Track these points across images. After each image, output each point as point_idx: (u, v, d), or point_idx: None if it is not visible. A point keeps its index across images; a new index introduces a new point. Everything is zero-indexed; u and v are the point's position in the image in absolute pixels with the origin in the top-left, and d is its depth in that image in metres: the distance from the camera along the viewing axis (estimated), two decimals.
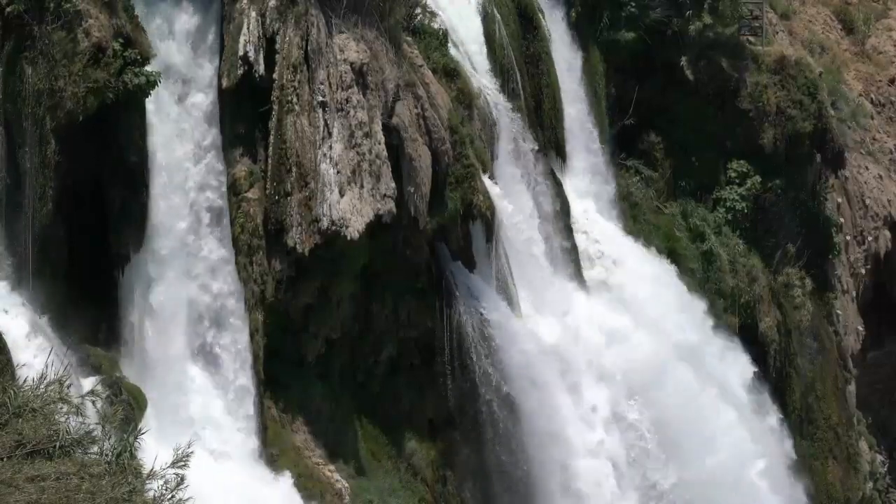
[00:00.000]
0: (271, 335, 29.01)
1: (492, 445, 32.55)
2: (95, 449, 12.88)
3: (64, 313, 24.96)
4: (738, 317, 42.20)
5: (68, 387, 13.49)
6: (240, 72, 28.28)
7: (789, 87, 44.25)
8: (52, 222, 25.17)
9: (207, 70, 28.32)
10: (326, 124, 28.90)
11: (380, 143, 29.38)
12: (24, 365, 21.93)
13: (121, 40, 25.77)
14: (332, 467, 29.80)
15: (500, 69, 36.20)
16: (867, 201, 49.75)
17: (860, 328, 48.86)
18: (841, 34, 53.74)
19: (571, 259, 37.14)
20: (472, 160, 32.25)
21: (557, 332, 34.76)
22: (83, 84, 24.99)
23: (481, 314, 32.20)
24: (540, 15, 38.62)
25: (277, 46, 28.67)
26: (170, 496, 12.17)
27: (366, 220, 28.87)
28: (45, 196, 24.99)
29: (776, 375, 43.30)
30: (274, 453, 28.70)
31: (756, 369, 41.02)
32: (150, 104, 26.48)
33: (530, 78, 37.89)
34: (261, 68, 28.41)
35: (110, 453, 12.80)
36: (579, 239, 37.82)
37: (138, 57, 25.88)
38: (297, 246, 28.50)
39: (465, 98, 33.79)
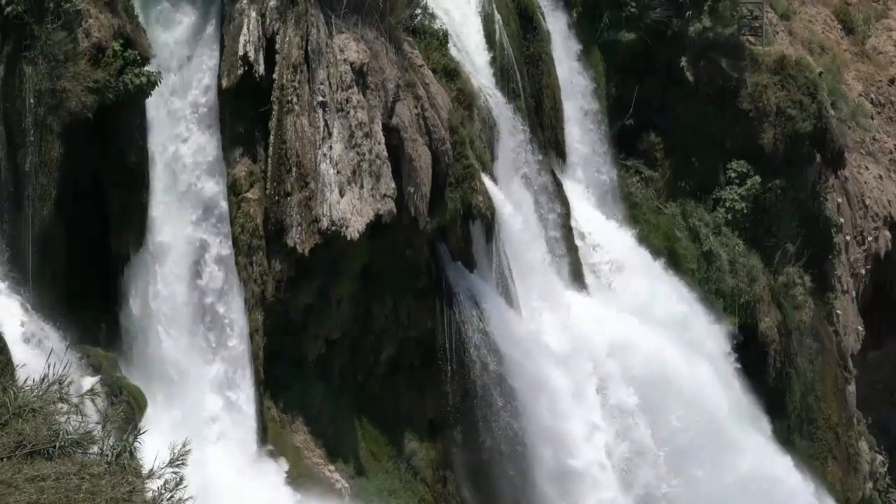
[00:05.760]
0: (271, 335, 29.01)
1: (492, 445, 32.55)
2: (95, 449, 12.88)
3: (64, 313, 24.96)
4: (738, 317, 42.20)
5: (69, 385, 13.48)
6: (240, 72, 28.29)
7: (789, 87, 44.26)
8: (52, 222, 25.18)
9: (207, 70, 28.32)
10: (326, 124, 28.90)
11: (380, 144, 29.38)
12: (23, 365, 21.92)
13: (121, 40, 25.80)
14: (332, 467, 29.80)
15: (500, 69, 36.20)
16: (867, 201, 49.76)
17: (860, 328, 48.86)
18: (841, 34, 53.75)
19: (571, 259, 37.14)
20: (472, 160, 32.24)
21: (557, 331, 34.73)
22: (83, 84, 24.99)
23: (481, 314, 32.19)
24: (540, 15, 38.63)
25: (277, 46, 28.67)
26: (168, 496, 12.16)
27: (366, 221, 28.86)
28: (46, 196, 25.00)
29: (776, 375, 43.31)
30: (274, 453, 28.71)
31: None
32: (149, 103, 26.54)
33: (530, 78, 37.89)
34: (261, 68, 28.42)
35: (110, 453, 12.79)
36: (579, 239, 37.82)
37: (138, 57, 25.90)
38: (297, 246, 28.50)
39: (465, 98, 33.78)
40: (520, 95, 36.67)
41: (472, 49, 35.64)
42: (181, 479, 12.42)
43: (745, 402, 40.28)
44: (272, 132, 28.61)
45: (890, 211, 50.45)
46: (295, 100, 28.61)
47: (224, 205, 28.48)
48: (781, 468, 39.31)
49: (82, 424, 13.12)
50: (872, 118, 51.74)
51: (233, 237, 28.51)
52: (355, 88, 29.23)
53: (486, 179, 33.04)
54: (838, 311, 47.18)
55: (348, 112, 29.09)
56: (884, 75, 53.72)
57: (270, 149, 28.61)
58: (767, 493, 37.99)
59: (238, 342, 28.37)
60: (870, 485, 48.05)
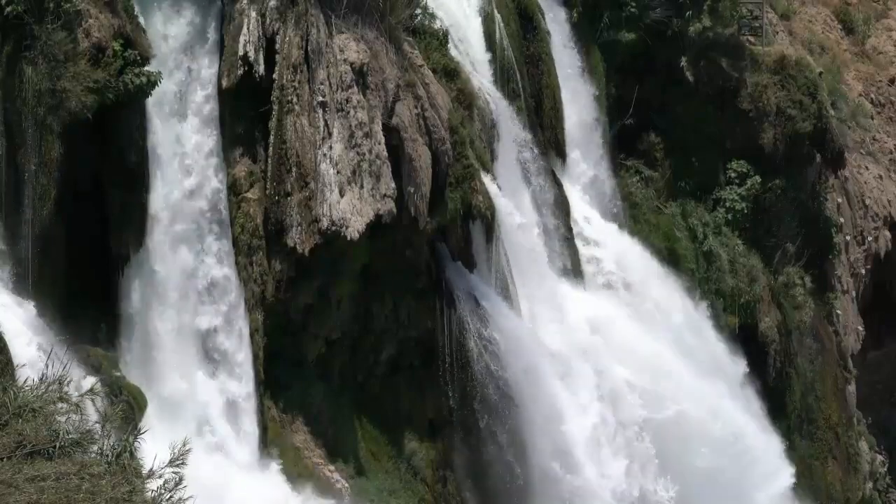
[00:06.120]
0: (271, 335, 29.01)
1: (491, 445, 32.54)
2: (95, 449, 12.87)
3: (64, 313, 24.96)
4: (738, 317, 42.21)
5: (68, 383, 13.48)
6: (240, 72, 28.29)
7: (789, 87, 44.26)
8: (52, 222, 25.17)
9: (207, 70, 28.32)
10: (326, 124, 28.90)
11: (380, 144, 29.38)
12: (23, 365, 21.93)
13: (121, 40, 25.79)
14: (332, 467, 29.80)
15: (500, 69, 36.20)
16: (867, 201, 49.77)
17: (860, 328, 48.86)
18: (841, 34, 53.75)
19: (571, 259, 37.13)
20: (472, 160, 32.24)
21: (557, 331, 34.74)
22: (83, 84, 24.99)
23: (481, 314, 32.19)
24: (540, 15, 38.63)
25: (277, 46, 28.67)
26: (168, 496, 12.16)
27: (366, 221, 28.87)
28: (45, 196, 25.00)
29: (776, 375, 43.31)
30: (274, 453, 28.71)
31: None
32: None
33: (530, 78, 37.89)
34: (261, 68, 28.42)
35: (110, 453, 12.79)
36: (579, 239, 37.82)
37: (138, 57, 25.90)
38: (297, 246, 28.50)
39: (465, 98, 33.78)
40: (520, 95, 36.67)
41: (472, 49, 35.64)
42: (181, 479, 12.42)
43: None
44: (272, 132, 28.61)
45: (890, 211, 50.45)
46: (295, 100, 28.62)
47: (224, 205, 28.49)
48: None
49: (81, 422, 13.11)
50: (872, 118, 51.74)
51: (233, 237, 28.52)
52: (355, 88, 29.23)
53: (486, 179, 33.04)
54: (838, 311, 47.18)
55: (348, 112, 29.09)
56: (884, 75, 53.72)
57: (270, 149, 28.61)
58: None
59: (238, 342, 28.37)
60: (870, 485, 48.05)
